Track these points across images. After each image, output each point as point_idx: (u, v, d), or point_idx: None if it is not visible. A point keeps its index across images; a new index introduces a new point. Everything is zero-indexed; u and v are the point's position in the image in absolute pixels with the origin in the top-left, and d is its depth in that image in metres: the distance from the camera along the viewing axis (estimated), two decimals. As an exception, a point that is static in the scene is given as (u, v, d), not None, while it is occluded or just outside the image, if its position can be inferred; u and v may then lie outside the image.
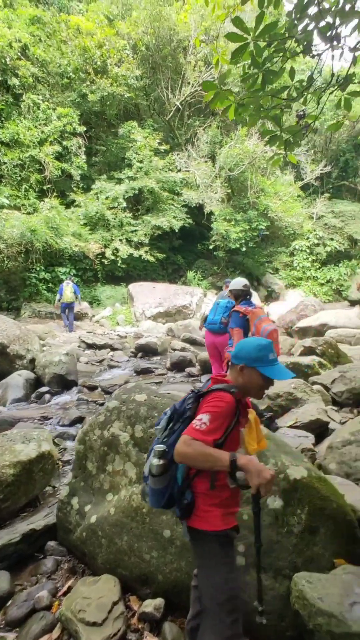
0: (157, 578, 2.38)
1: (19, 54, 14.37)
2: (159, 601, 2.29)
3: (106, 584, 2.36)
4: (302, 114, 4.08)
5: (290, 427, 3.68)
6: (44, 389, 6.18)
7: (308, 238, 19.84)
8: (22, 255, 12.58)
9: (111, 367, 7.74)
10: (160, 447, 1.65)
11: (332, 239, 19.72)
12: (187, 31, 15.35)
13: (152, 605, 2.26)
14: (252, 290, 4.61)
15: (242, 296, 4.29)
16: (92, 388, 6.28)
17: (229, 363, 1.80)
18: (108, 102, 15.89)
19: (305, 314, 10.57)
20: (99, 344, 8.91)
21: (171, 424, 1.72)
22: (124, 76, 15.37)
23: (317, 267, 19.87)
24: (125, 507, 2.55)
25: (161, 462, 1.63)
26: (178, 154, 16.58)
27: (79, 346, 9.03)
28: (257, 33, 3.19)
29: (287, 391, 4.06)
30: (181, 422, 1.70)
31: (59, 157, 15.20)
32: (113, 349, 8.95)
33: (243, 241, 16.91)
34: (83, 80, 15.68)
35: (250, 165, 16.18)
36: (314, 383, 4.71)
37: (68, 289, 11.29)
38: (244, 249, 17.05)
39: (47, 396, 6.02)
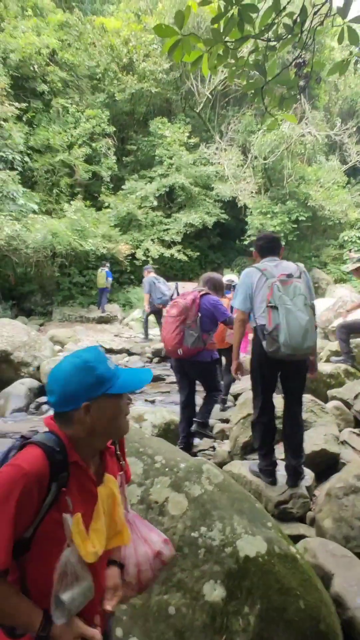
0: None
1: (48, 60, 14.47)
2: None
3: None
4: (302, 61, 3.26)
5: (286, 459, 2.87)
6: (43, 398, 5.80)
7: (359, 228, 18.07)
8: (50, 260, 12.62)
9: (123, 373, 7.23)
10: None
11: (386, 228, 17.80)
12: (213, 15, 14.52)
13: None
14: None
15: None
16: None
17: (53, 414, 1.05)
18: (137, 100, 15.57)
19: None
20: (116, 349, 8.47)
21: None
22: (151, 71, 14.94)
23: (370, 259, 18.04)
24: None
25: None
26: (208, 146, 15.80)
27: (97, 351, 8.63)
28: None
29: (289, 411, 3.21)
30: None
31: (89, 159, 15.13)
32: (130, 353, 8.45)
33: (282, 234, 15.69)
34: (111, 79, 15.48)
35: (287, 151, 14.95)
36: (332, 398, 3.81)
37: (100, 276, 12.83)
38: (283, 243, 15.84)
39: (45, 407, 5.64)
